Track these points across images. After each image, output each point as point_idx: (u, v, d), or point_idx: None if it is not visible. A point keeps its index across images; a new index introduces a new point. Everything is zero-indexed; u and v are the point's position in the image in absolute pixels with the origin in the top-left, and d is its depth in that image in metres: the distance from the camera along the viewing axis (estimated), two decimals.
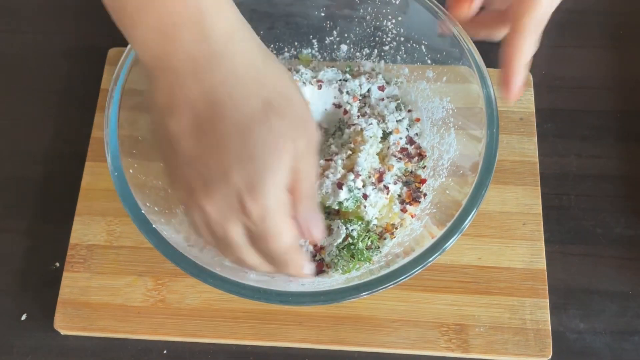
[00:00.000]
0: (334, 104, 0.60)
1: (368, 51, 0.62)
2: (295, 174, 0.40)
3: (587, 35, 0.69)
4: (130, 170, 0.49)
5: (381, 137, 0.57)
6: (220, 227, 0.41)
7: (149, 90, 0.41)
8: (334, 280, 0.52)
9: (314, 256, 0.54)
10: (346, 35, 0.62)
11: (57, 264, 0.59)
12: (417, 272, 0.46)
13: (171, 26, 0.37)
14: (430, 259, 0.46)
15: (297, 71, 0.60)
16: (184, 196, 0.42)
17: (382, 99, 0.60)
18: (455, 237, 0.47)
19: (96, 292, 0.57)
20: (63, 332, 0.56)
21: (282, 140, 0.39)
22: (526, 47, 0.46)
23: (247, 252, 0.43)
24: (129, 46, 0.51)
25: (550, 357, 0.54)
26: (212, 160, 0.39)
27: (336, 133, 0.60)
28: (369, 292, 0.45)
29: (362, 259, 0.53)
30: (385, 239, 0.54)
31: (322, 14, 0.61)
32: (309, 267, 0.46)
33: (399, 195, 0.56)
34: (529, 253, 0.58)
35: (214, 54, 0.38)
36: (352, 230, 0.53)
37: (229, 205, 0.40)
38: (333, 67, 0.61)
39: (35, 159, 0.64)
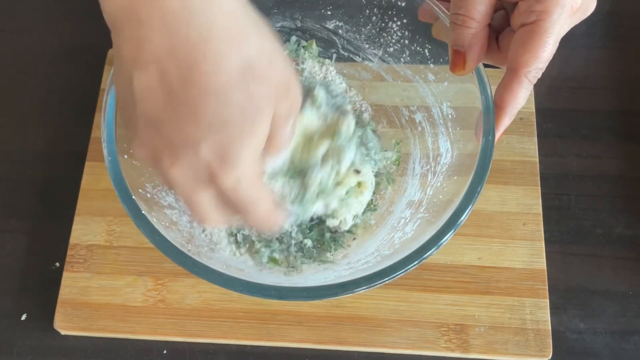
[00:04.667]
0: None
1: (373, 51, 0.62)
2: (271, 139, 0.39)
3: (587, 35, 0.69)
4: (129, 170, 0.49)
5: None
6: (186, 194, 0.39)
7: (115, 43, 0.38)
8: (333, 275, 0.52)
9: None
10: (351, 35, 0.62)
11: (57, 264, 0.59)
12: (412, 268, 0.45)
13: None
14: (426, 255, 0.45)
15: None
16: (149, 160, 0.39)
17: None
18: (449, 234, 0.46)
19: (96, 292, 0.57)
20: (63, 332, 0.56)
21: (260, 107, 0.36)
22: (522, 95, 0.47)
23: (213, 217, 0.41)
24: None
25: (550, 357, 0.54)
26: (180, 125, 0.35)
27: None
28: (366, 287, 0.44)
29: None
30: None
31: (329, 12, 0.61)
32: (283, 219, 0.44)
33: None
34: (529, 253, 0.58)
35: (187, 4, 0.34)
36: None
37: (196, 175, 0.37)
38: None
39: (35, 159, 0.64)
